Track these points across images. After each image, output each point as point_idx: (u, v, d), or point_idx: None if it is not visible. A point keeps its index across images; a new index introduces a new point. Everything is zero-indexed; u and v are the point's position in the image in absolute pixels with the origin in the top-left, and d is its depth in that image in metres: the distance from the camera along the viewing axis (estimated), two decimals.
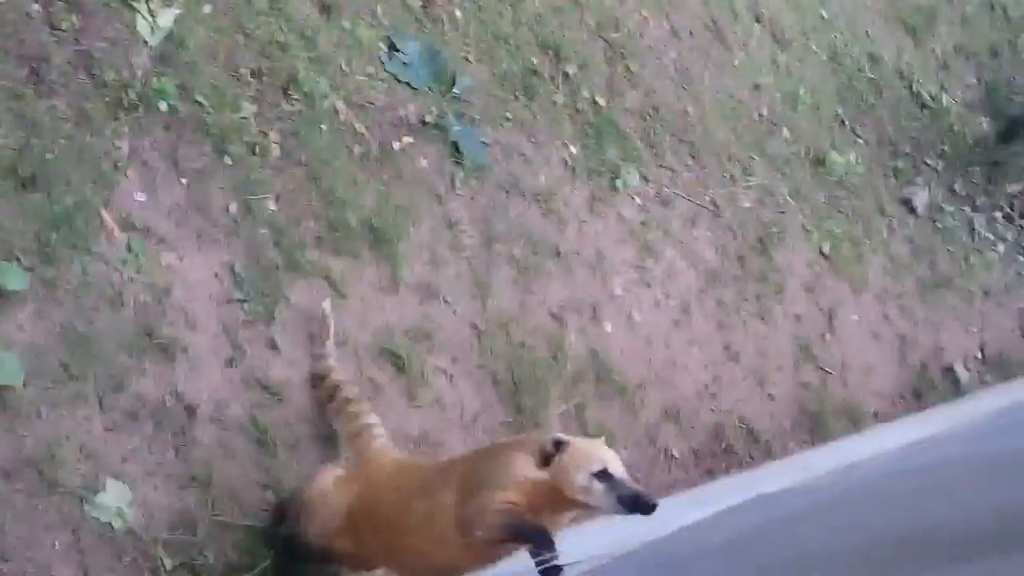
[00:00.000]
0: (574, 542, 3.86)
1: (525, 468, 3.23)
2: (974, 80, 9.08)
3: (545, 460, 3.22)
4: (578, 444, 3.28)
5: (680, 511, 4.56)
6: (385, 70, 4.91)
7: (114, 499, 3.38)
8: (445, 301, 4.68)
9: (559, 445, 3.23)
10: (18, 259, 3.45)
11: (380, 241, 4.52)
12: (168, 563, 3.43)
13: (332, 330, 4.10)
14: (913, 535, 3.11)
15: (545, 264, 5.18)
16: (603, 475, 3.15)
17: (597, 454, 3.24)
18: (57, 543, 3.26)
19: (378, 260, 4.51)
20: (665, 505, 4.76)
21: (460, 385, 4.59)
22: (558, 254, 5.25)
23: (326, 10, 4.81)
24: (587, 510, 3.27)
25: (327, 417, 4.05)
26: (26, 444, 3.29)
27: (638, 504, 3.15)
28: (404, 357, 4.39)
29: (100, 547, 3.33)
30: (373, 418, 3.95)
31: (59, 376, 3.42)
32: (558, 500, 3.22)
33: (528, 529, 3.18)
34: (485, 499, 3.22)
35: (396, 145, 4.79)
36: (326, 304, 4.12)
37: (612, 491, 3.14)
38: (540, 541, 3.14)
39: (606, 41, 6.09)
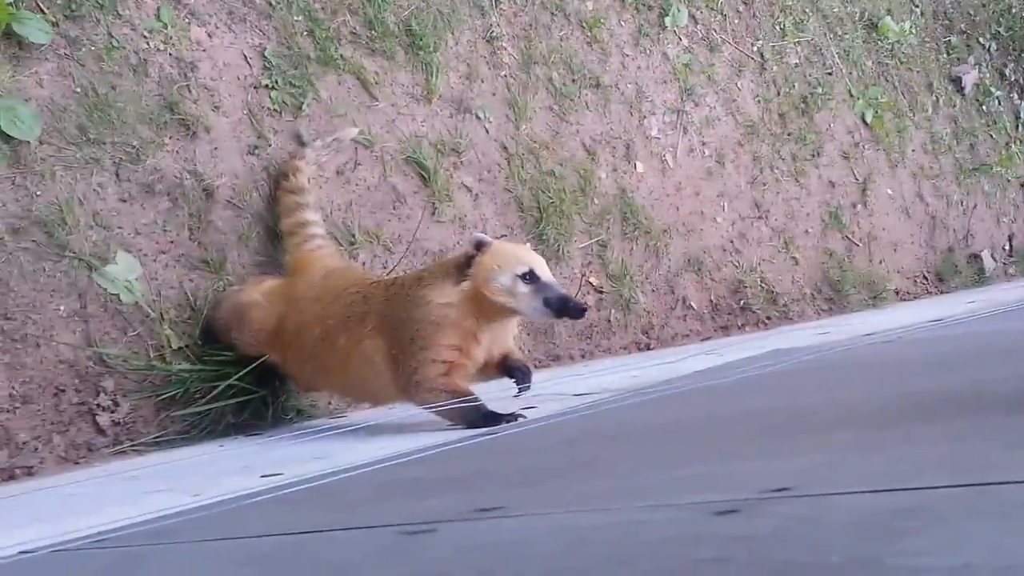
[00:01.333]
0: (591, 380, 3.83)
1: (444, 295, 3.06)
2: None
3: (467, 263, 3.05)
4: (501, 245, 3.15)
5: (695, 358, 4.51)
6: None
7: (123, 271, 3.29)
8: (477, 118, 4.53)
9: (480, 246, 3.06)
10: (42, 11, 3.28)
11: (417, 46, 4.35)
12: (175, 342, 3.36)
13: (332, 143, 3.90)
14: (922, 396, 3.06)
15: (583, 94, 5.01)
16: (529, 276, 3.01)
17: (522, 255, 3.10)
18: (62, 308, 3.19)
19: (413, 65, 4.34)
20: (680, 352, 4.75)
21: (484, 205, 4.48)
22: (597, 85, 5.08)
23: None
24: (512, 315, 3.13)
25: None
26: (37, 203, 3.18)
27: (566, 307, 3.03)
28: (430, 169, 4.26)
29: (106, 317, 3.26)
30: (314, 215, 3.69)
31: (76, 138, 3.29)
32: (484, 310, 3.07)
33: (470, 412, 3.07)
34: (420, 366, 3.07)
35: None
36: (347, 133, 3.94)
37: (538, 293, 3.01)
38: (484, 420, 3.05)
39: None
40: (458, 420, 3.13)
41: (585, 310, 3.08)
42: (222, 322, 3.45)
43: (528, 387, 3.21)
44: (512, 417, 3.10)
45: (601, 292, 4.81)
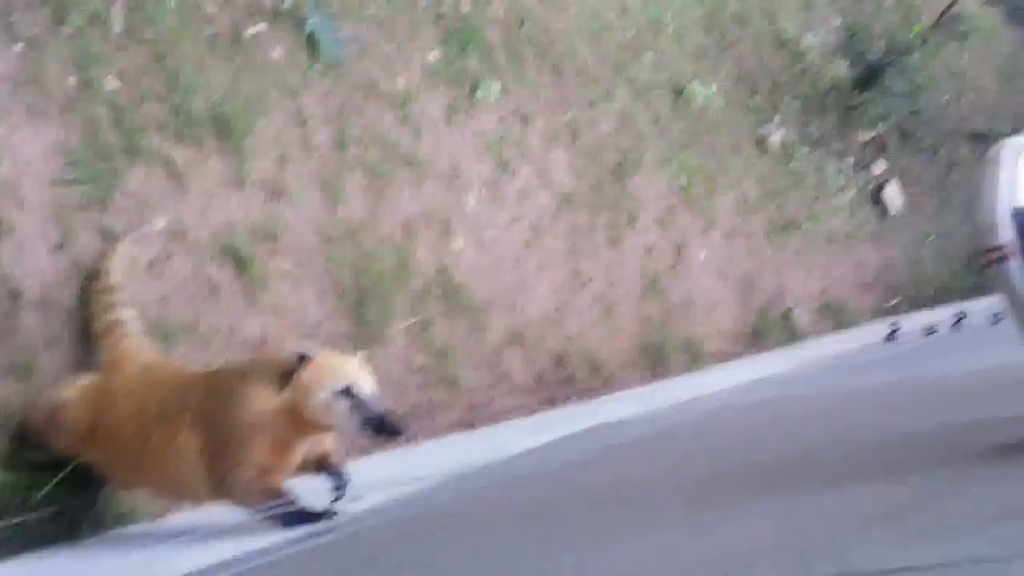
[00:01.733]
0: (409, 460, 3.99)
1: (263, 401, 3.16)
2: (836, 23, 9.45)
3: (287, 377, 3.16)
4: (323, 360, 3.22)
5: (521, 436, 4.73)
6: None
7: None
8: (292, 202, 4.67)
9: (302, 360, 3.17)
10: None
11: (227, 132, 4.47)
12: None
13: (140, 237, 3.97)
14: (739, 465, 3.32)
15: (398, 172, 5.21)
16: (347, 393, 3.12)
17: (342, 370, 3.19)
18: None
19: (223, 152, 4.46)
20: (506, 430, 4.96)
21: (303, 291, 4.61)
22: (412, 163, 5.29)
23: None
24: (331, 429, 3.26)
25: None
26: None
27: (382, 427, 3.14)
28: (246, 257, 4.38)
29: None
30: (126, 313, 3.73)
31: None
32: (303, 422, 3.18)
33: (284, 512, 3.20)
34: (234, 467, 3.17)
35: (249, 31, 4.72)
36: (153, 225, 4.02)
37: (356, 411, 3.12)
38: (298, 519, 3.21)
39: None
40: (273, 520, 3.25)
41: (402, 430, 3.21)
42: (36, 425, 3.48)
43: (343, 495, 3.37)
44: (329, 515, 3.27)
45: (425, 372, 4.99)
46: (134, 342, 3.68)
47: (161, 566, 3.06)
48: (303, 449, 3.28)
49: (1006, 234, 2.17)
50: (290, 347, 3.21)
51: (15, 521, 3.34)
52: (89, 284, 3.78)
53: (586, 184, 6.30)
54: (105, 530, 3.59)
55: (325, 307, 4.68)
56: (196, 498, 3.48)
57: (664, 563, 2.00)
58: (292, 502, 3.22)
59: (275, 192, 4.61)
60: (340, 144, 4.95)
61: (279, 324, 4.46)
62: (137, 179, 4.11)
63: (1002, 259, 2.18)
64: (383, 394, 3.30)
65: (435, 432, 4.90)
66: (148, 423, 3.30)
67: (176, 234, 4.17)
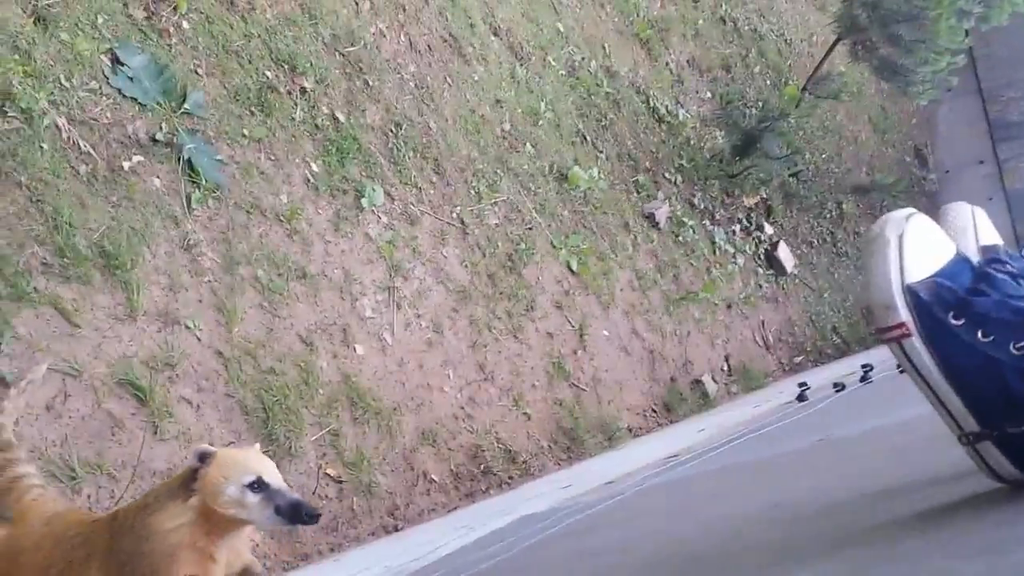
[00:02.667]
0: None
1: (172, 519, 3.11)
2: (708, 94, 9.87)
3: (192, 477, 3.10)
4: (226, 454, 3.20)
5: (444, 536, 4.81)
6: (109, 85, 4.95)
7: None
8: (187, 328, 4.75)
9: (204, 458, 3.12)
10: None
11: (113, 266, 4.56)
12: None
13: (26, 386, 3.78)
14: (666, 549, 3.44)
15: (291, 287, 5.33)
16: (258, 485, 3.10)
17: (249, 463, 3.17)
18: None
19: (112, 286, 4.54)
20: (430, 530, 5.04)
21: (207, 415, 4.68)
22: (304, 276, 5.42)
23: (42, 20, 4.81)
24: (245, 525, 3.19)
25: None
26: None
27: (298, 514, 3.12)
28: (145, 388, 4.44)
29: None
30: (27, 467, 3.68)
31: None
32: (216, 524, 3.12)
33: None
34: None
35: (126, 164, 4.83)
36: (37, 371, 3.86)
37: (269, 501, 3.10)
38: None
39: (343, 55, 6.31)
40: None
41: (318, 515, 3.15)
42: None
43: None
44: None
45: (340, 481, 5.06)
46: (37, 494, 3.63)
47: None
48: (223, 560, 3.22)
49: (902, 313, 2.23)
50: (191, 449, 3.15)
51: None
52: None
53: (481, 277, 6.47)
54: None
55: (231, 428, 4.74)
56: None
57: None
58: None
59: (168, 320, 4.70)
60: (229, 265, 5.06)
61: (186, 451, 4.50)
62: (26, 322, 4.18)
63: (903, 337, 2.25)
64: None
65: (359, 540, 4.96)
66: None
67: (71, 373, 4.22)
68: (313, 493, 4.90)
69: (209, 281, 4.96)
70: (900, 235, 2.47)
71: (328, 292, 5.51)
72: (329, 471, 5.05)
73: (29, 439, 4.00)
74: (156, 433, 4.44)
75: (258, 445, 3.38)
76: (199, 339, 4.79)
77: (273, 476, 3.16)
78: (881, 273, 2.42)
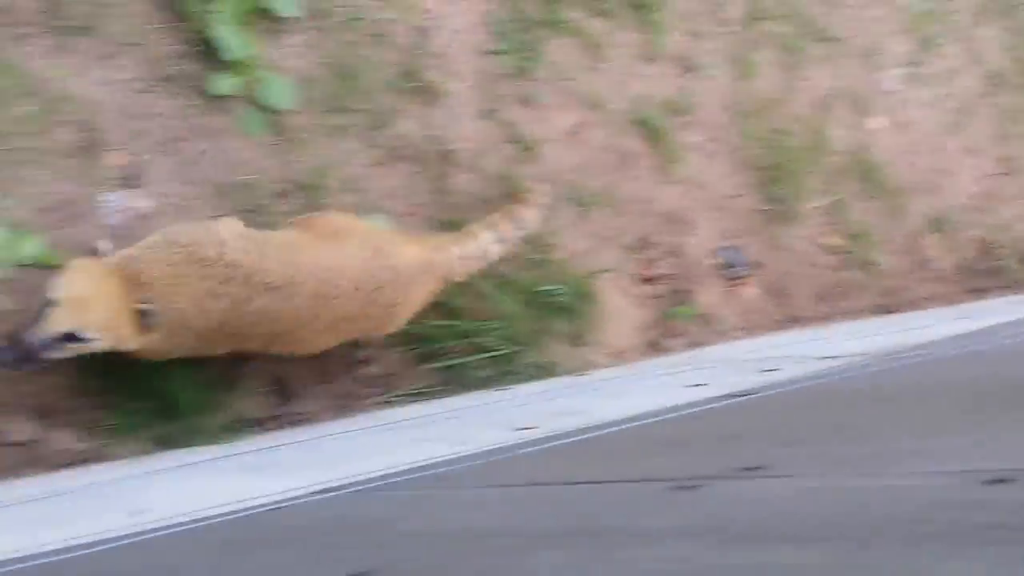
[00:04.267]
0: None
1: None
2: None
3: None
4: None
5: (939, 321, 4.73)
6: None
7: None
8: (705, 76, 4.87)
9: None
10: None
11: (641, 5, 4.73)
12: None
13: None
14: None
15: (812, 48, 5.29)
16: None
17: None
18: None
19: (638, 25, 4.72)
20: (926, 317, 4.97)
21: (714, 165, 4.82)
22: (827, 38, 5.35)
23: None
24: None
25: None
26: (296, 168, 3.71)
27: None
28: (659, 129, 4.64)
29: None
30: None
31: (327, 106, 3.82)
32: None
33: None
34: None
35: None
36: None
37: None
38: None
39: None
40: None
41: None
42: None
43: None
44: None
45: (839, 253, 5.09)
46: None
47: (592, 413, 3.36)
48: None
49: None
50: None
51: (452, 363, 3.81)
52: None
53: (1020, 64, 6.09)
54: (529, 379, 3.98)
55: (735, 181, 4.86)
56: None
57: None
58: None
59: (687, 65, 4.83)
60: (751, 19, 5.09)
61: (692, 197, 4.70)
62: (556, 51, 4.46)
63: None
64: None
65: (849, 314, 5.00)
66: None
67: (593, 104, 4.48)
68: (809, 261, 4.97)
69: (730, 32, 5.02)
70: None
71: (848, 58, 5.41)
72: (828, 240, 5.08)
73: (550, 161, 4.32)
74: (664, 174, 4.64)
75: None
76: (714, 89, 4.90)
77: None
78: None
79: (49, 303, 2.92)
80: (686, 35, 4.87)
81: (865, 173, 5.28)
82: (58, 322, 2.92)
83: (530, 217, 3.98)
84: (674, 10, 4.85)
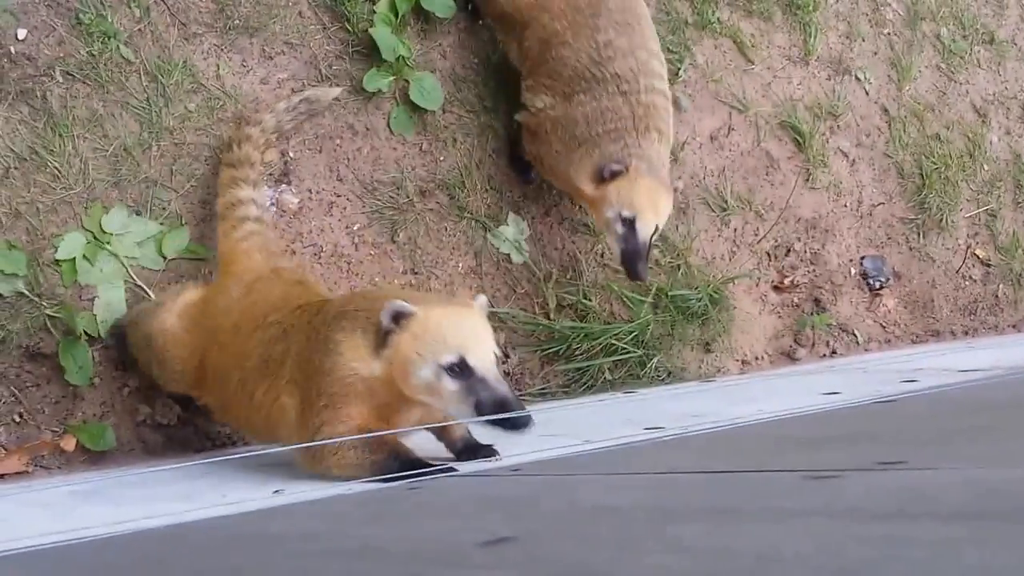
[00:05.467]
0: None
1: (356, 361, 2.65)
2: None
3: (383, 339, 2.62)
4: (428, 317, 2.60)
5: None
6: None
7: (514, 232, 4.01)
8: (857, 79, 4.95)
9: (398, 319, 2.59)
10: None
11: (795, 5, 4.81)
12: (552, 303, 4.05)
13: (300, 104, 3.63)
14: None
15: (975, 51, 5.30)
16: (459, 369, 2.54)
17: (452, 338, 2.57)
18: (461, 265, 3.93)
19: (790, 26, 4.81)
20: None
21: (861, 171, 4.90)
22: (992, 41, 5.36)
23: None
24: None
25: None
26: (441, 167, 3.94)
27: (504, 413, 2.53)
28: (806, 133, 4.73)
29: (498, 275, 3.99)
30: (250, 193, 3.39)
31: (474, 106, 4.02)
32: (404, 398, 2.66)
33: (389, 464, 2.65)
34: (325, 426, 2.68)
35: None
36: (326, 92, 3.71)
37: (470, 393, 2.55)
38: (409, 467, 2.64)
39: None
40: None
41: (527, 422, 2.57)
42: (138, 351, 3.29)
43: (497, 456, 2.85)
44: (491, 450, 2.85)
45: (988, 265, 5.12)
46: (248, 231, 3.34)
47: (719, 414, 3.50)
48: (417, 412, 2.76)
49: None
50: (386, 304, 2.61)
51: (581, 365, 4.00)
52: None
53: None
54: (658, 382, 4.15)
55: (883, 189, 4.93)
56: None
57: None
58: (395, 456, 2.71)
59: (839, 68, 4.91)
60: (912, 19, 5.13)
61: (835, 204, 4.79)
62: (705, 51, 4.58)
63: None
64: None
65: (996, 329, 5.04)
66: (250, 375, 2.94)
67: (738, 107, 4.60)
68: (957, 272, 5.01)
69: (888, 34, 5.08)
70: None
71: (1015, 62, 5.41)
72: (978, 252, 5.11)
73: (690, 165, 4.47)
74: (808, 180, 4.74)
75: (483, 300, 2.82)
76: (867, 92, 4.97)
77: (482, 357, 2.58)
78: None
79: None
80: (840, 36, 4.95)
81: (1019, 183, 5.29)
82: None
83: (251, 150, 3.47)
84: (830, 10, 4.92)
